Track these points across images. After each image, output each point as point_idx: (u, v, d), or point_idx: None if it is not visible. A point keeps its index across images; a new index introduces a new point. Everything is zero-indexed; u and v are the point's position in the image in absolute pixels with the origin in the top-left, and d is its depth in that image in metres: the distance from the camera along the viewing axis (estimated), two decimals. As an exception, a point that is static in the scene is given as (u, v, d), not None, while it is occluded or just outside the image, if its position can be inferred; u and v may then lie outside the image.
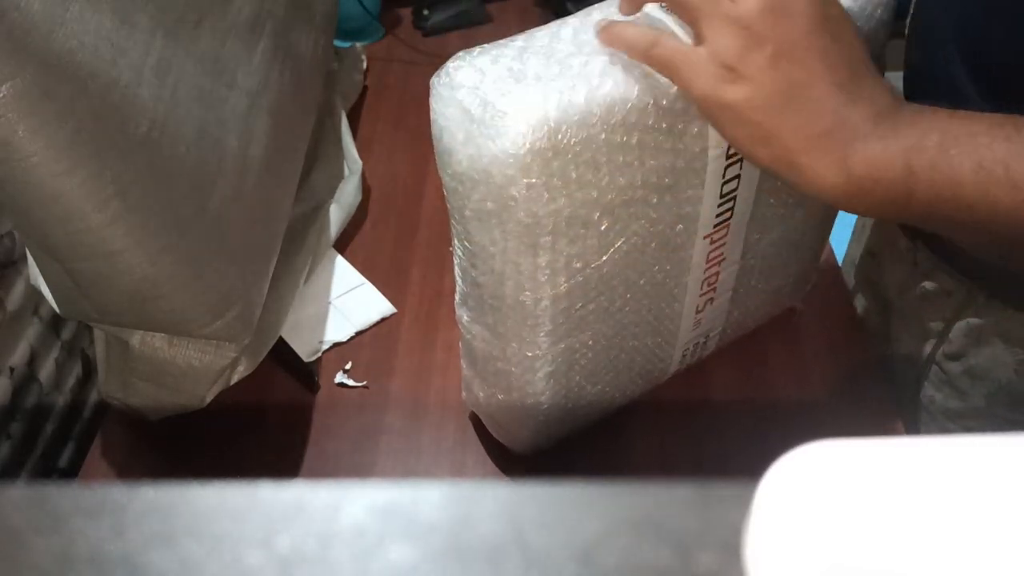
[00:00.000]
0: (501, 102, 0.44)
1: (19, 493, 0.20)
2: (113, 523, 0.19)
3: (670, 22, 0.45)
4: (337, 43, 1.03)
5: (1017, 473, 0.17)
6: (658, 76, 0.45)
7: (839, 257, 0.91)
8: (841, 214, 0.91)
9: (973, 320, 0.64)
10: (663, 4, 0.46)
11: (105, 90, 0.49)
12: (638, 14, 0.47)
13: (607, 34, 0.46)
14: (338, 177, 0.91)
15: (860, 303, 0.84)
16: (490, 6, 1.21)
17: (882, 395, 0.71)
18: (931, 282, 0.68)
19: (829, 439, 0.18)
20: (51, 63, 0.45)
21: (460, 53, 0.47)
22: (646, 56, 0.44)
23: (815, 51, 0.41)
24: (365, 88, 1.07)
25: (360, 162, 0.91)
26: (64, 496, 0.20)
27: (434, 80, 0.47)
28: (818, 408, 0.71)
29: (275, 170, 0.73)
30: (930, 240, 0.67)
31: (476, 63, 0.46)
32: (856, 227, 0.88)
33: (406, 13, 1.20)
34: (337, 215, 0.85)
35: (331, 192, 0.88)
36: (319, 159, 0.92)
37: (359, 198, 0.89)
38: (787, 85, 0.41)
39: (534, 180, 0.44)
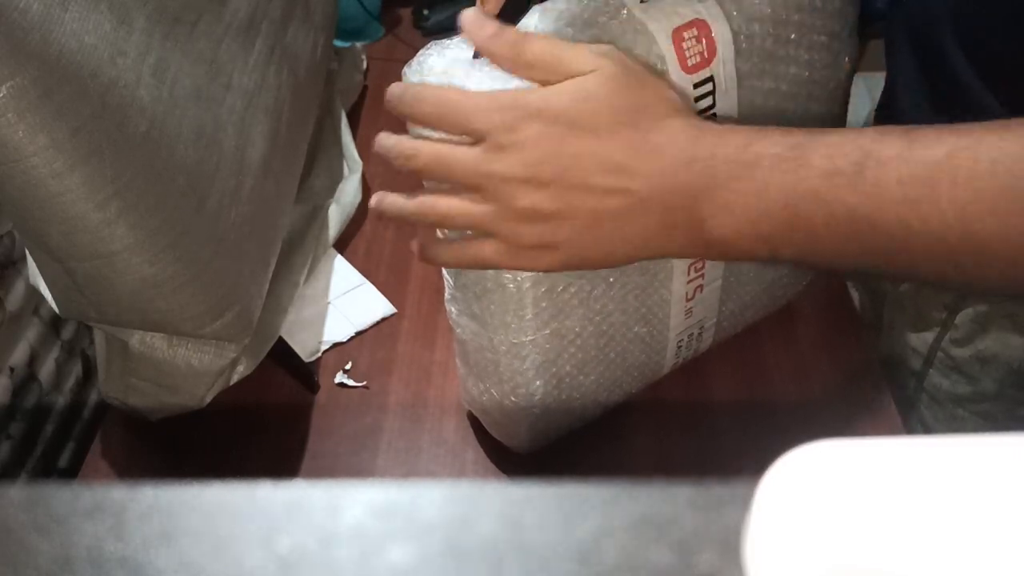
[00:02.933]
0: (467, 83, 0.46)
1: (19, 493, 0.20)
2: (113, 523, 0.19)
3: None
4: (337, 43, 1.03)
5: (1017, 473, 0.17)
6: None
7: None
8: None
9: (980, 307, 0.65)
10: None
11: (104, 90, 0.49)
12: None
13: (379, 209, 0.49)
14: (338, 177, 0.91)
15: (852, 295, 0.84)
16: (490, 6, 1.21)
17: (882, 395, 0.71)
18: None
19: (829, 439, 0.18)
20: (51, 63, 0.45)
21: (431, 43, 0.49)
22: (460, 262, 0.48)
23: (581, 176, 0.41)
24: (365, 88, 1.07)
25: (360, 162, 0.91)
26: (64, 496, 0.20)
27: (406, 70, 0.49)
28: (818, 408, 0.70)
29: (275, 170, 0.73)
30: None
31: (446, 52, 0.48)
32: None
33: (406, 13, 1.20)
34: (337, 215, 0.85)
35: (331, 192, 0.88)
36: (319, 159, 0.92)
37: (359, 198, 0.89)
38: (585, 230, 0.42)
39: None
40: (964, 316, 0.66)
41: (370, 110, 1.04)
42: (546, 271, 0.46)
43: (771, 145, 0.39)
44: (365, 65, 1.08)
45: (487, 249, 0.44)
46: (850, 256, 0.38)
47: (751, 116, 0.54)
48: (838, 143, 0.38)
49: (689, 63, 0.49)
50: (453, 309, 0.59)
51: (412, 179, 0.99)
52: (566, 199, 0.41)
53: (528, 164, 0.41)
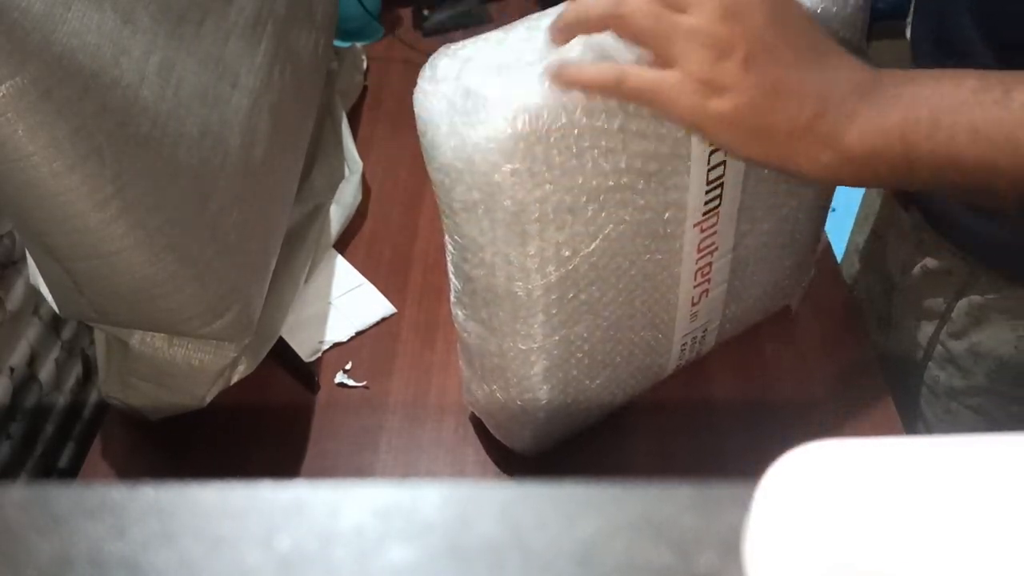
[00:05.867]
0: (482, 90, 0.45)
1: (19, 493, 0.20)
2: (113, 523, 0.19)
3: (621, 48, 0.45)
4: (337, 43, 1.03)
5: (1017, 473, 0.17)
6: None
7: (843, 244, 0.91)
8: (839, 203, 0.92)
9: (975, 298, 0.65)
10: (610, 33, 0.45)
11: (106, 90, 0.49)
12: (580, 46, 0.46)
13: (562, 77, 0.44)
14: (338, 177, 0.91)
15: (864, 287, 0.84)
16: (490, 6, 1.21)
17: (882, 395, 0.71)
18: (933, 260, 0.69)
19: (829, 439, 0.18)
20: (52, 63, 0.45)
21: (442, 48, 0.48)
22: (618, 91, 0.44)
23: (780, 42, 0.42)
24: (365, 88, 1.07)
25: (360, 162, 0.91)
26: (64, 496, 0.20)
27: (420, 77, 0.48)
28: (818, 408, 0.71)
29: (276, 170, 0.73)
30: (933, 218, 0.68)
31: (459, 55, 0.47)
32: (859, 215, 0.88)
33: (406, 13, 1.20)
34: (337, 215, 0.85)
35: (331, 192, 0.88)
36: (319, 159, 0.92)
37: (359, 198, 0.89)
38: (766, 83, 0.42)
39: (518, 166, 0.45)
40: (960, 308, 0.66)
41: (370, 110, 1.04)
42: (695, 120, 0.43)
43: (928, 69, 0.42)
44: (365, 65, 1.08)
45: (643, 72, 0.43)
46: (980, 168, 0.41)
47: None
48: (986, 73, 0.41)
49: None
50: (459, 313, 0.58)
51: (413, 181, 0.99)
52: (759, 46, 0.42)
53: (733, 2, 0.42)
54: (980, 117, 0.40)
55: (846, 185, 0.46)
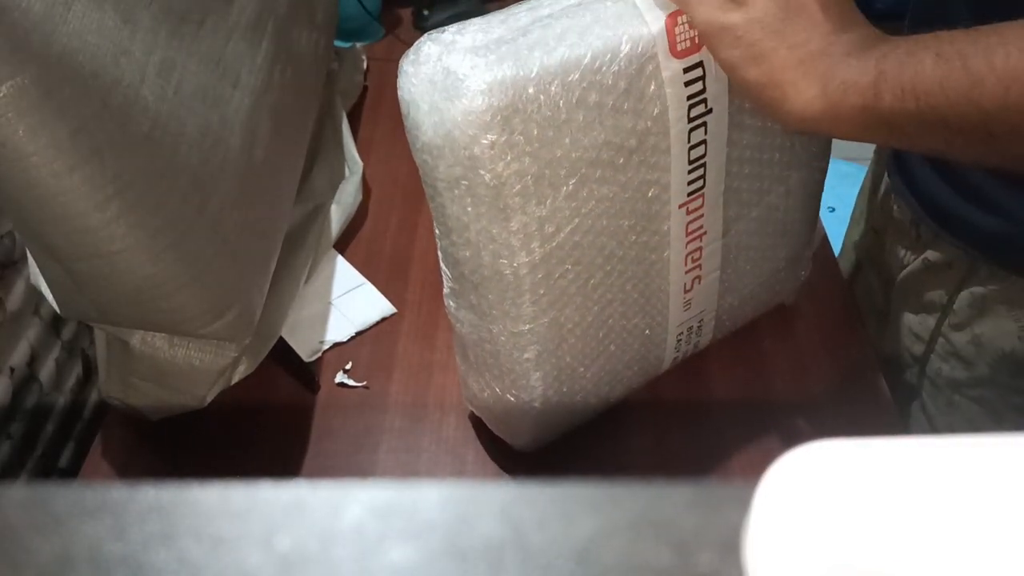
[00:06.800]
0: (461, 68, 0.46)
1: (19, 493, 0.20)
2: (113, 523, 0.19)
3: None
4: (337, 43, 1.03)
5: (1017, 473, 0.17)
6: (610, 39, 0.48)
7: (840, 240, 0.91)
8: (838, 199, 0.91)
9: (977, 289, 0.65)
10: None
11: (107, 90, 0.49)
12: None
13: None
14: (339, 177, 0.91)
15: (864, 282, 0.84)
16: (489, 6, 1.21)
17: (882, 393, 0.71)
18: (933, 252, 0.69)
19: (829, 439, 0.18)
20: (52, 63, 0.45)
21: (427, 34, 0.49)
22: None
23: None
24: (365, 88, 1.07)
25: (360, 163, 0.91)
26: (64, 496, 0.20)
27: (402, 60, 0.49)
28: (818, 407, 0.71)
29: (276, 170, 0.73)
30: (931, 210, 0.68)
31: (441, 39, 0.48)
32: (855, 212, 0.88)
33: (406, 13, 1.20)
34: (338, 215, 0.85)
35: (332, 192, 0.88)
36: (320, 159, 0.92)
37: (359, 198, 0.89)
38: (783, 9, 0.45)
39: (495, 138, 0.46)
40: (962, 300, 0.67)
41: (370, 111, 1.04)
42: (707, 29, 0.47)
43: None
44: (365, 65, 1.08)
45: None
46: (939, 109, 0.42)
47: (742, 103, 0.55)
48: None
49: (679, 47, 0.50)
50: (452, 303, 0.59)
51: (413, 181, 0.99)
52: None
53: None
54: (948, 44, 0.41)
55: (816, 130, 0.46)
